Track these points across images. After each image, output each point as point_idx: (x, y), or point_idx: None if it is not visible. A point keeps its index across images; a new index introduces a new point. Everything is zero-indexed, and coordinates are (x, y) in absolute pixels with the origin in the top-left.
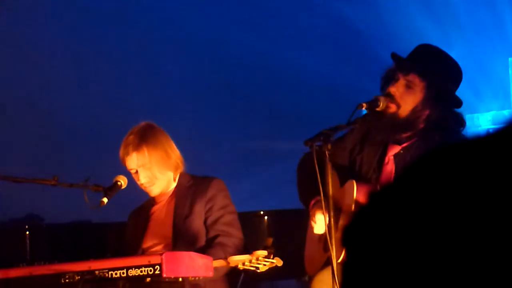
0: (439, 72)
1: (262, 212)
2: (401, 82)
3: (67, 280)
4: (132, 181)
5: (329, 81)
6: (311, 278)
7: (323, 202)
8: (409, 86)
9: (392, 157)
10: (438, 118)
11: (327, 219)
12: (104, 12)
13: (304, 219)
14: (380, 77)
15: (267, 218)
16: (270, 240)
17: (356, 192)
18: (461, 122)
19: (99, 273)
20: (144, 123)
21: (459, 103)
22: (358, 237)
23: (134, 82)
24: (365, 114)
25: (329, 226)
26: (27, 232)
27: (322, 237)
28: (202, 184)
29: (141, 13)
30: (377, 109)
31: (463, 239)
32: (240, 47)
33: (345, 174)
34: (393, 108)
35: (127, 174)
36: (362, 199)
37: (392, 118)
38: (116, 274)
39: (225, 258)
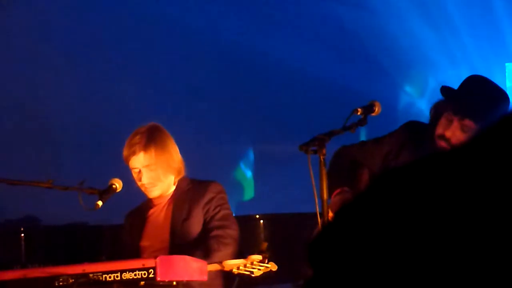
0: (494, 114)
1: (257, 216)
2: (456, 125)
3: (61, 283)
4: (127, 184)
5: (328, 84)
6: None
7: (317, 207)
8: (463, 130)
9: None
10: None
11: (321, 224)
12: (101, 14)
13: (300, 224)
14: (430, 109)
15: (263, 222)
16: (265, 245)
17: None
18: None
19: (93, 276)
20: (151, 124)
21: None
22: (322, 254)
23: (131, 85)
24: (358, 121)
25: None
26: (22, 235)
27: None
28: (200, 187)
29: (141, 15)
30: (372, 114)
31: (426, 255)
32: (243, 48)
33: (374, 174)
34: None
35: (122, 177)
36: None
37: None
38: (110, 277)
39: (221, 262)
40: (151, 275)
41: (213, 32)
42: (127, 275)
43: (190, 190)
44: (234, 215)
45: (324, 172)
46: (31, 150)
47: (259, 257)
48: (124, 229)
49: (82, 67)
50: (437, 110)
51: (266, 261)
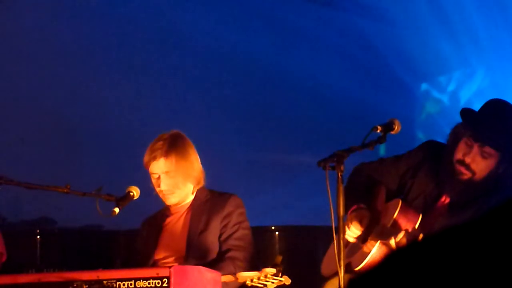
0: None
1: (273, 228)
2: (476, 151)
3: None
4: (144, 191)
5: (347, 97)
6: (324, 280)
7: (333, 223)
8: (484, 156)
9: (449, 196)
10: (509, 174)
11: (336, 240)
12: (123, 19)
13: (315, 237)
14: (449, 132)
15: (278, 234)
16: (279, 258)
17: (398, 212)
18: None
19: (107, 283)
20: (174, 131)
21: None
22: None
23: (151, 93)
24: (378, 138)
25: (338, 248)
26: (38, 237)
27: (349, 244)
28: (219, 200)
29: (161, 23)
30: (392, 132)
31: None
32: (263, 62)
33: (392, 192)
34: (468, 175)
35: (140, 184)
36: (402, 220)
37: (466, 184)
38: (124, 285)
39: (235, 273)
40: (164, 285)
41: (233, 46)
42: (141, 283)
43: (208, 201)
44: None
45: (341, 188)
46: (50, 153)
47: (273, 270)
48: (140, 237)
49: (104, 74)
50: (457, 134)
51: (280, 275)
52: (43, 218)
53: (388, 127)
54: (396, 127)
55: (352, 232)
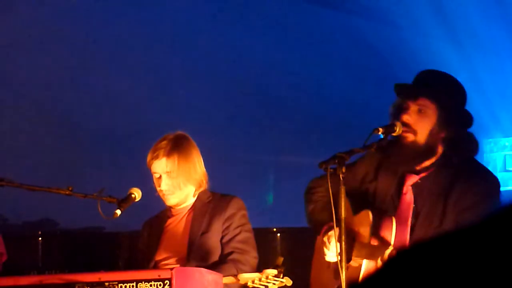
0: (447, 92)
1: (275, 229)
2: (412, 108)
3: None
4: (146, 192)
5: (349, 99)
6: None
7: (335, 228)
8: (421, 111)
9: (410, 187)
10: (454, 139)
11: (339, 245)
12: (128, 20)
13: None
14: (389, 112)
15: (280, 236)
16: (281, 259)
17: (371, 225)
18: (475, 142)
19: (108, 285)
20: (179, 132)
21: (471, 119)
22: None
23: (154, 94)
24: (379, 140)
25: (340, 253)
26: (40, 239)
27: (332, 264)
28: (221, 202)
29: (165, 24)
30: (393, 134)
31: None
32: (260, 60)
33: (356, 202)
34: (410, 137)
35: (142, 186)
36: (378, 231)
37: (411, 147)
38: (125, 287)
39: (236, 275)
40: (166, 286)
41: (235, 47)
42: (142, 285)
43: (210, 203)
44: (251, 226)
45: (342, 190)
46: (52, 155)
47: (275, 271)
48: (141, 238)
49: (108, 75)
50: (396, 106)
51: (282, 276)
52: (45, 220)
53: (389, 128)
54: (397, 129)
55: (333, 252)
